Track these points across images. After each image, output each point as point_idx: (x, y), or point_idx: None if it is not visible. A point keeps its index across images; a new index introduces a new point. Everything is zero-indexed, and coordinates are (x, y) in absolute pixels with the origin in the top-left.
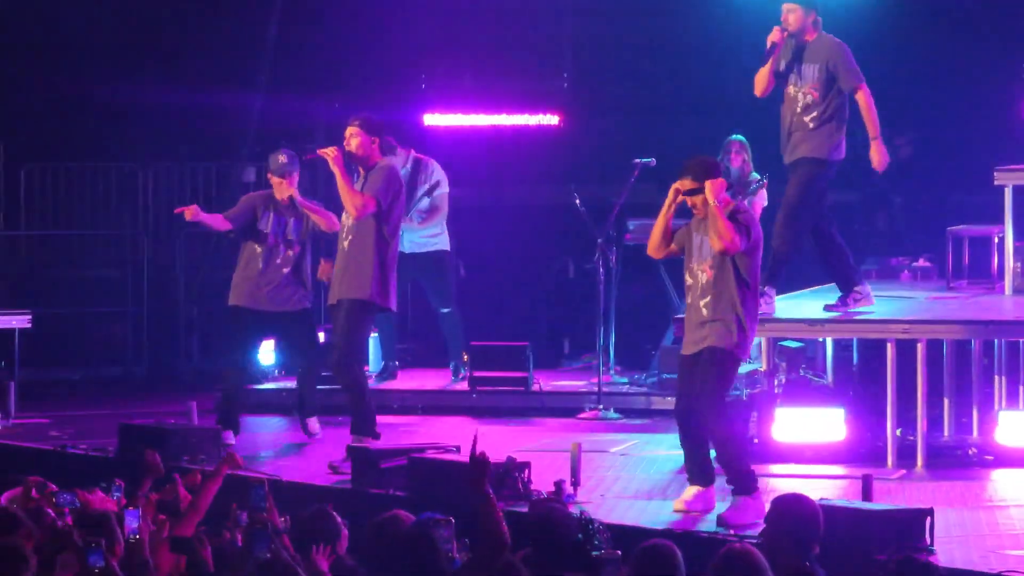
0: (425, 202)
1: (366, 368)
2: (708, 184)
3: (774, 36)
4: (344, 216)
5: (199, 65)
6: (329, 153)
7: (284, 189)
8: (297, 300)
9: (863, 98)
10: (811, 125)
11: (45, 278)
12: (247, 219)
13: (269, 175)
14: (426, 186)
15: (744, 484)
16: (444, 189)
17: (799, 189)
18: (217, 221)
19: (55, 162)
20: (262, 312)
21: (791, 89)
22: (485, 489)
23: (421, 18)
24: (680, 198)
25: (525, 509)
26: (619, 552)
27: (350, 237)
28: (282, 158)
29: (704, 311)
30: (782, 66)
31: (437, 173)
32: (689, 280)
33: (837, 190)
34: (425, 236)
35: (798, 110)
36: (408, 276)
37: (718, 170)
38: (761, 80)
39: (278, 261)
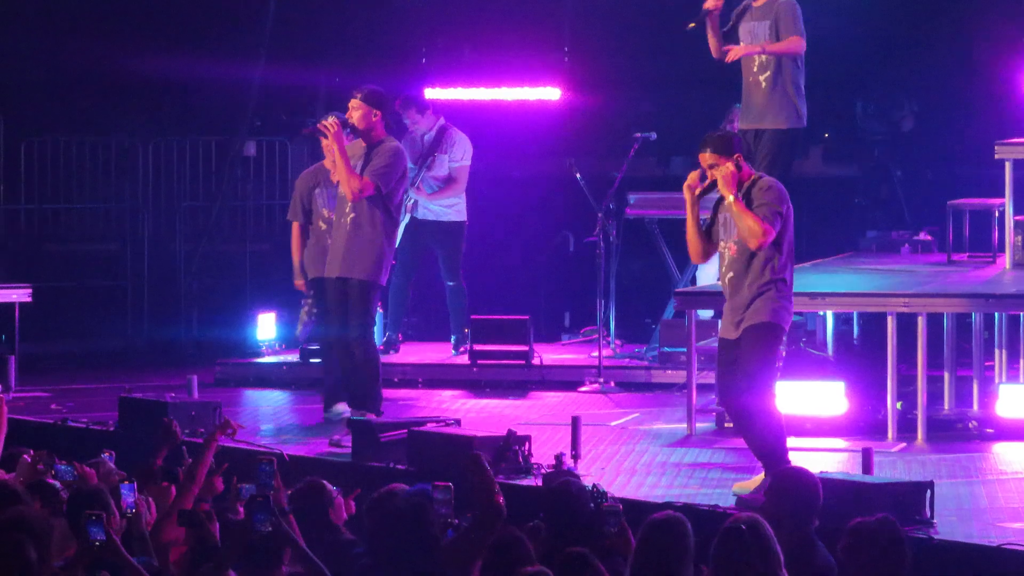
0: (444, 171)
1: None
2: (720, 179)
3: (709, 2)
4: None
5: (198, 38)
6: (329, 128)
7: None
8: None
9: (792, 41)
10: (764, 85)
11: (45, 252)
12: (306, 205)
13: (322, 138)
14: (445, 156)
15: (769, 463)
16: (465, 163)
17: (768, 162)
18: (298, 237)
19: (55, 136)
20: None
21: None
22: (481, 463)
23: None
24: (698, 190)
25: (530, 482)
26: (620, 504)
27: (352, 215)
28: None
29: (738, 288)
30: (737, 26)
31: (459, 147)
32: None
33: (837, 164)
34: (443, 205)
35: (754, 69)
36: (421, 244)
37: (739, 145)
38: (712, 46)
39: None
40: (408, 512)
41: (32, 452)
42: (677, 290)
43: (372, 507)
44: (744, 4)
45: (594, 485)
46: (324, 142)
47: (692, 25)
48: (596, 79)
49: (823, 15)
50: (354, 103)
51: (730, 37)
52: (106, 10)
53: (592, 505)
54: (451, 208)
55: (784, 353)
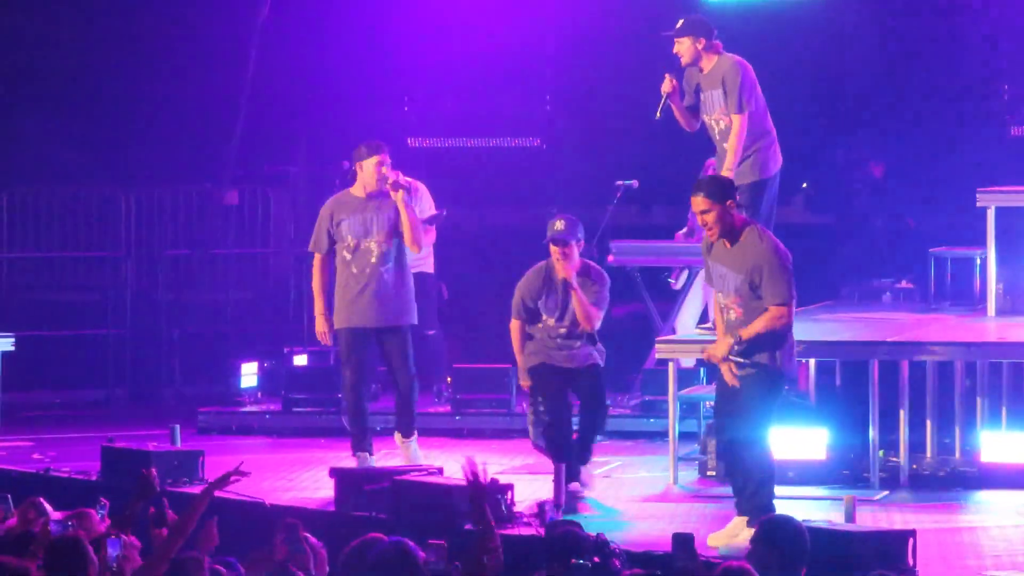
0: None
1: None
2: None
3: (664, 87)
4: (374, 244)
5: (180, 87)
6: (404, 185)
7: (562, 265)
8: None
9: (737, 124)
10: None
11: (27, 301)
12: (332, 235)
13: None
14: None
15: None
16: (433, 212)
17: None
18: (324, 271)
19: (37, 185)
20: (562, 368)
21: (706, 118)
22: (486, 515)
23: (403, 40)
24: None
25: (513, 531)
26: (623, 553)
27: (388, 264)
28: (559, 224)
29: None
30: (697, 97)
31: (425, 198)
32: (718, 310)
33: (818, 212)
34: (411, 257)
35: (717, 137)
36: None
37: (731, 190)
38: (682, 122)
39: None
40: (389, 562)
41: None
42: (659, 338)
43: (352, 557)
44: (692, 72)
45: (598, 533)
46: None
47: (659, 115)
48: (578, 127)
49: (804, 64)
50: (387, 159)
51: (694, 111)
52: (87, 58)
53: (596, 557)
54: (419, 260)
55: None
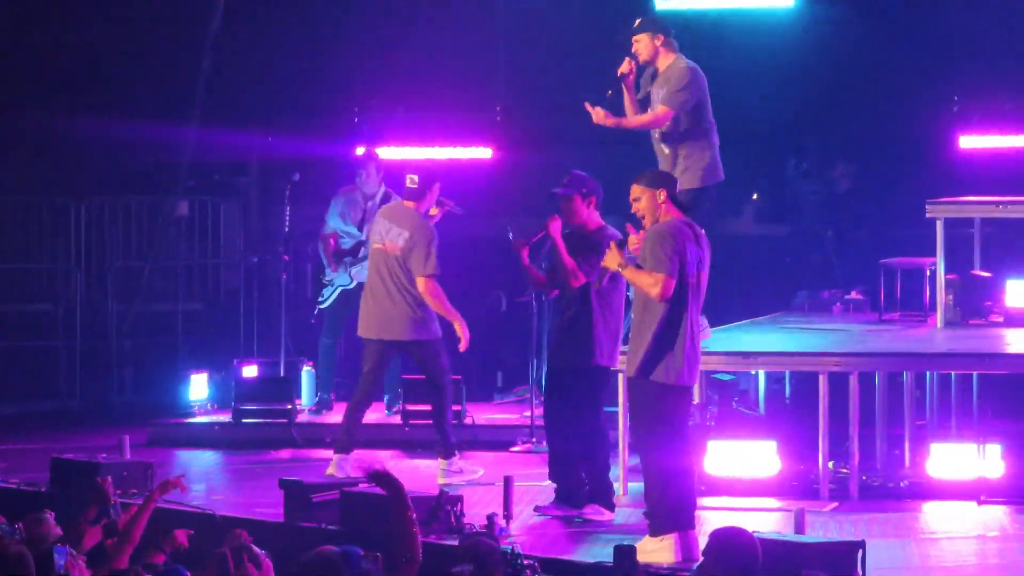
0: None
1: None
2: (614, 251)
3: (622, 67)
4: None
5: (132, 98)
6: None
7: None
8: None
9: (659, 113)
10: (667, 150)
11: None
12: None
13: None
14: None
15: (656, 523)
16: None
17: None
18: None
19: None
20: None
21: None
22: (405, 502)
23: (354, 51)
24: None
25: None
26: (536, 565)
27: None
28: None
29: (633, 333)
30: (649, 92)
31: None
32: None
33: (768, 223)
34: None
35: (657, 136)
36: (352, 306)
37: (669, 182)
38: (629, 114)
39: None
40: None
41: None
42: None
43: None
44: (651, 69)
45: (511, 548)
46: None
47: (610, 93)
48: (528, 138)
49: (755, 76)
50: None
51: (645, 104)
52: (38, 69)
53: (509, 569)
54: None
55: (717, 413)
